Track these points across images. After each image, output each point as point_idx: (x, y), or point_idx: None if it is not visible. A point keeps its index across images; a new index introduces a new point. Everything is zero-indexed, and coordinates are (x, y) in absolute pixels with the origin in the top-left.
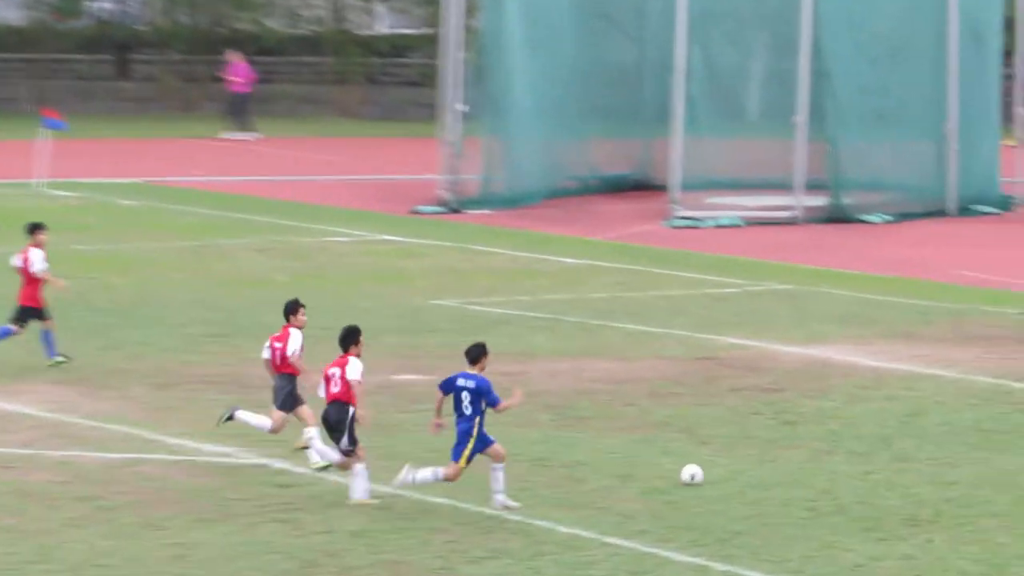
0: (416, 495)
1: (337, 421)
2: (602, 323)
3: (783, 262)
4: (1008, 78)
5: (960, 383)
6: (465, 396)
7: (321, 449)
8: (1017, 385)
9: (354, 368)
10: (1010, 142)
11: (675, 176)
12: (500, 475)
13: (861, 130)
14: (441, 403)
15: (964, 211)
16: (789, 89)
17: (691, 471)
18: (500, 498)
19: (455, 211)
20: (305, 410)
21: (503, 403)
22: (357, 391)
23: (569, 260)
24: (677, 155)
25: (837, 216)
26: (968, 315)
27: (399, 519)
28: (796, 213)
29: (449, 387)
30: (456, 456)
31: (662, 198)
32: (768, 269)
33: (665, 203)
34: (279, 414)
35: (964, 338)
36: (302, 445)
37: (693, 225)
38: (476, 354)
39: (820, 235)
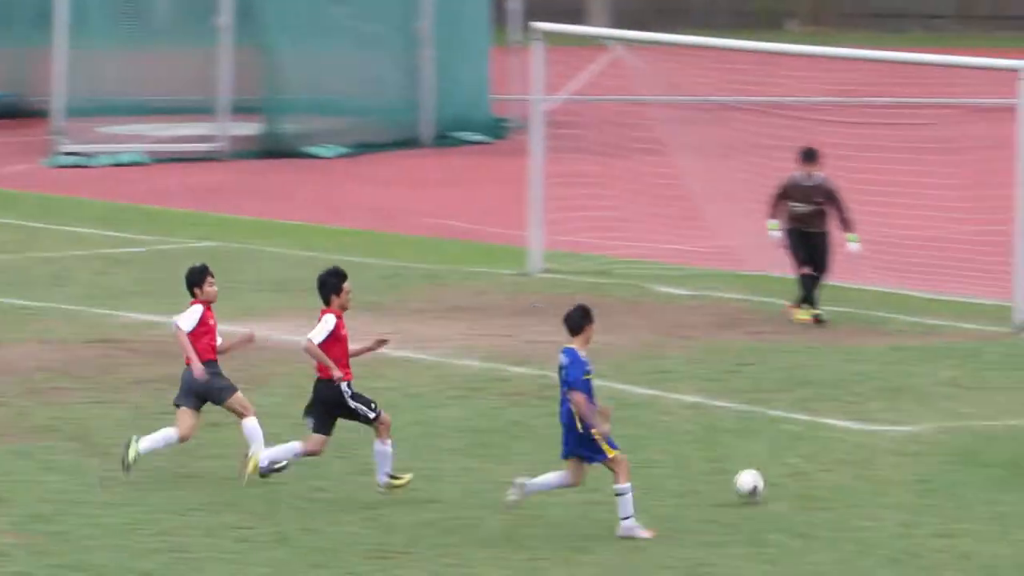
0: None
1: (334, 404)
2: None
3: (203, 211)
4: None
5: (439, 369)
6: (563, 374)
7: (273, 455)
8: (513, 370)
9: (317, 329)
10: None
11: (58, 99)
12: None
13: (304, 36)
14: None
15: (443, 140)
16: None
17: (752, 479)
18: (628, 523)
19: None
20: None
21: (579, 396)
22: (313, 354)
23: None
24: (60, 71)
25: (275, 148)
26: (448, 278)
27: None
28: (220, 145)
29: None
30: (601, 457)
31: (41, 127)
32: (184, 220)
33: (45, 134)
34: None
35: (444, 309)
36: (252, 467)
37: (83, 163)
38: (576, 322)
39: (252, 174)
